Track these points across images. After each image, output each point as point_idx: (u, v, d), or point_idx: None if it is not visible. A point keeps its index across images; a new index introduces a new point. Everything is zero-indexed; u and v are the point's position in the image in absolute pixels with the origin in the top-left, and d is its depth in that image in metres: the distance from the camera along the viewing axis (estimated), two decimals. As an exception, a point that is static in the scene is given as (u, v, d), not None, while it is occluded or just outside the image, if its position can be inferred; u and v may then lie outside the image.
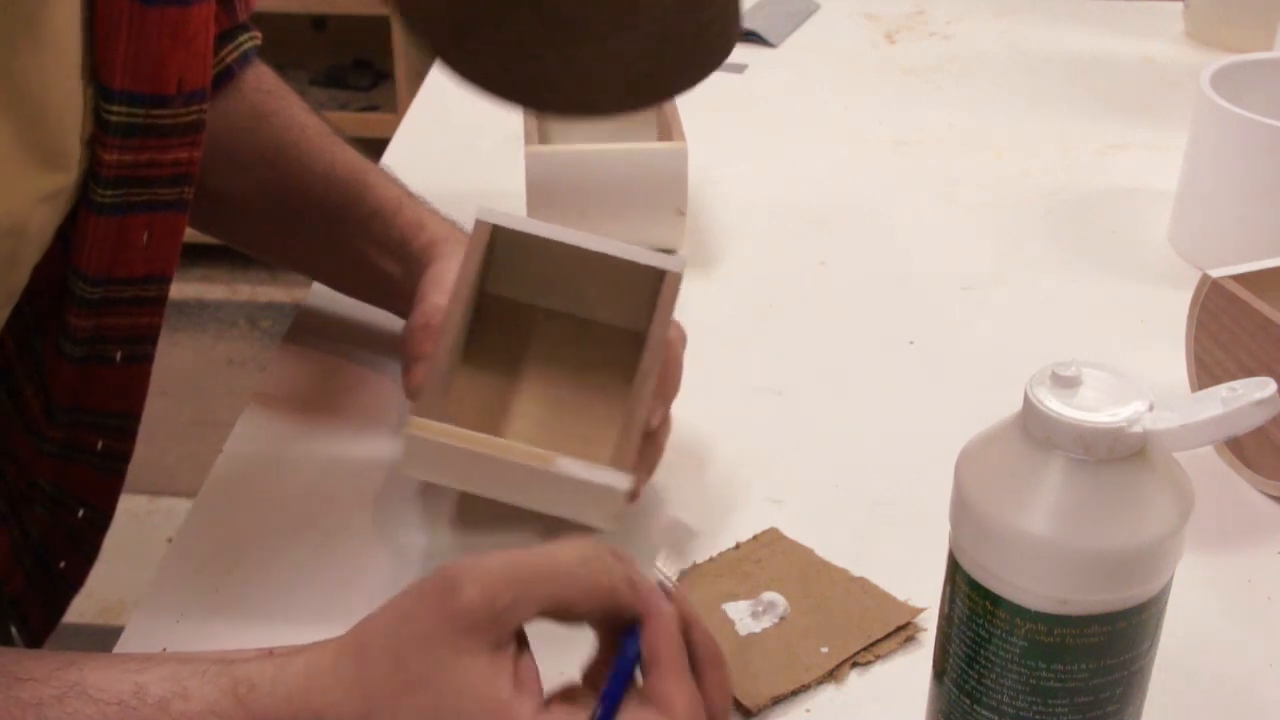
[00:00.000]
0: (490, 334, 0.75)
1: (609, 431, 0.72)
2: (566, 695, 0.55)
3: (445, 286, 0.77)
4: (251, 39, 0.87)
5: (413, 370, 0.75)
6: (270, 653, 0.55)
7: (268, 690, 0.53)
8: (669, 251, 1.01)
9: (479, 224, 0.72)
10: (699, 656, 0.56)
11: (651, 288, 0.73)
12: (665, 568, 0.70)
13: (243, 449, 0.81)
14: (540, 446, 0.68)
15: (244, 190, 0.87)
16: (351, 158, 0.87)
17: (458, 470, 0.68)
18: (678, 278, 0.72)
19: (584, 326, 0.76)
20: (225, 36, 0.86)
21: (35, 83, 0.65)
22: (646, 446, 0.72)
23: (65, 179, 0.69)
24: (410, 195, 0.86)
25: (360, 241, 0.84)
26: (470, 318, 0.74)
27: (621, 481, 0.66)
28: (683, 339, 0.76)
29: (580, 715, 0.53)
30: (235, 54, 0.86)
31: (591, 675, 0.57)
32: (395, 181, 0.87)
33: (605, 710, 0.53)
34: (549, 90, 0.56)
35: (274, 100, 0.88)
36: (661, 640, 0.55)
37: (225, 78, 0.86)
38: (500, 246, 0.73)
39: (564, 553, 0.55)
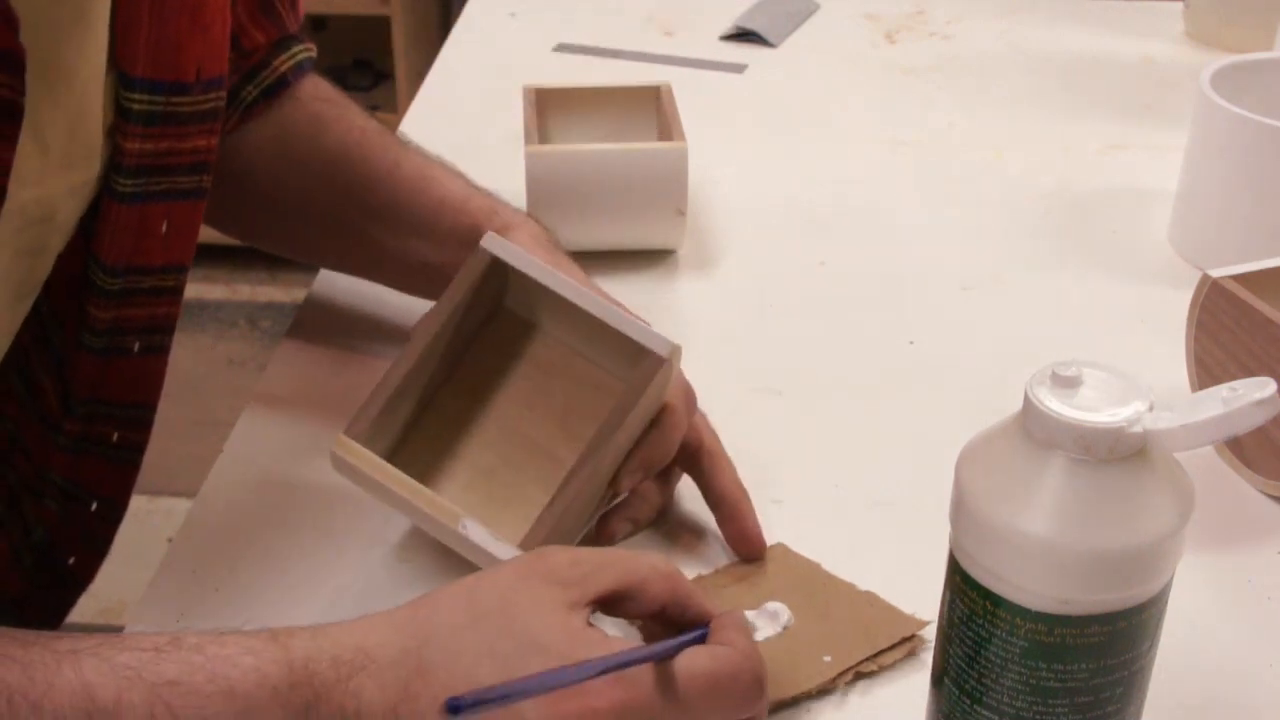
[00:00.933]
0: (495, 351, 0.74)
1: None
2: None
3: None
4: (306, 50, 0.88)
5: None
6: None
7: (308, 636, 0.55)
8: (669, 252, 1.01)
9: (480, 251, 0.71)
10: None
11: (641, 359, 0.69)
12: None
13: (243, 449, 0.81)
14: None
15: (306, 197, 0.87)
16: (414, 155, 0.87)
17: (377, 493, 0.68)
18: (660, 362, 0.68)
19: (586, 369, 0.74)
20: (278, 46, 0.86)
21: (82, 75, 0.67)
22: (613, 515, 0.72)
23: (92, 170, 0.70)
24: (478, 187, 0.86)
25: (427, 235, 0.84)
26: (459, 340, 0.73)
27: (503, 552, 0.65)
28: (690, 404, 0.74)
29: (644, 650, 0.56)
30: (290, 64, 0.87)
31: None
32: (461, 174, 0.87)
33: (665, 647, 0.56)
34: None
35: (333, 108, 0.88)
36: (730, 617, 0.59)
37: (281, 87, 0.86)
38: (514, 269, 0.72)
39: (640, 553, 0.61)
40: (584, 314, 0.70)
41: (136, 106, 0.71)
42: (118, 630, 0.67)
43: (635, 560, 0.59)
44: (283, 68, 0.86)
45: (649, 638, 0.61)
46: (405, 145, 0.88)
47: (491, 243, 0.71)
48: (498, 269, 0.72)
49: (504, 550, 0.65)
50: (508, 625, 0.54)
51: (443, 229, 0.83)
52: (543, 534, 0.65)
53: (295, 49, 0.87)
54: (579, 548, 0.59)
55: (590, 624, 0.56)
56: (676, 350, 0.69)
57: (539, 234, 0.81)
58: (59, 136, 0.66)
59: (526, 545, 0.65)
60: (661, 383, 0.69)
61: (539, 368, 0.74)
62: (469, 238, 0.82)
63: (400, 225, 0.85)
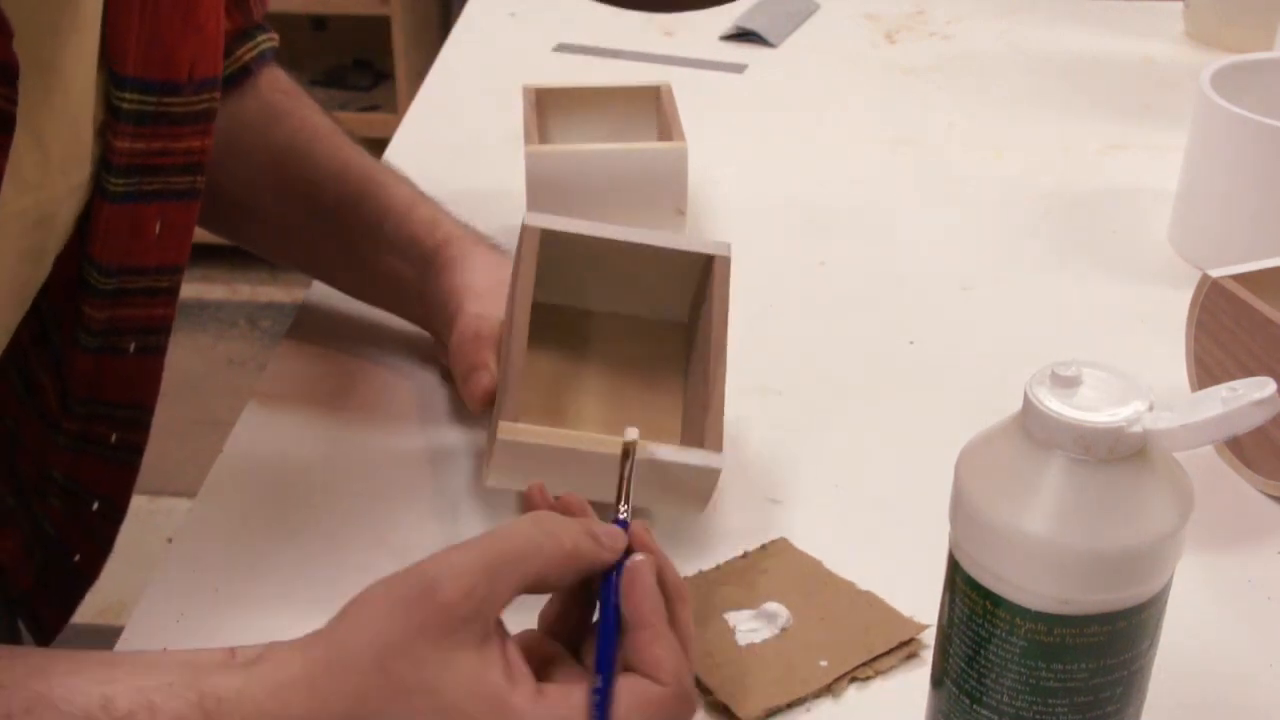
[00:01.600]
0: (539, 338, 0.75)
1: (673, 421, 0.74)
2: (545, 661, 0.56)
3: (479, 295, 0.78)
4: (269, 40, 0.88)
5: (473, 380, 0.74)
6: (233, 653, 0.55)
7: (234, 704, 0.53)
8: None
9: (528, 230, 0.71)
10: (668, 594, 0.57)
11: (695, 276, 0.74)
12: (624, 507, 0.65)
13: (243, 449, 0.81)
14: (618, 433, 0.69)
15: (256, 191, 0.87)
16: (363, 159, 0.87)
17: (548, 471, 0.68)
18: (727, 261, 0.73)
19: (625, 323, 0.76)
20: (243, 36, 0.86)
21: (79, 78, 0.66)
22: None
23: (86, 171, 0.70)
24: (423, 195, 0.86)
25: (371, 241, 0.84)
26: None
27: (717, 462, 0.68)
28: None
29: (576, 693, 0.53)
30: (253, 53, 0.86)
31: (548, 618, 0.59)
32: (407, 182, 0.87)
33: (604, 683, 0.54)
34: None
35: (289, 101, 0.88)
36: (642, 600, 0.56)
37: (242, 76, 0.86)
38: (544, 249, 0.73)
39: (521, 528, 0.56)
40: (623, 253, 0.72)
41: (127, 106, 0.70)
42: (117, 631, 0.68)
43: (529, 558, 0.55)
44: (245, 57, 0.86)
45: None
46: (356, 148, 0.88)
47: (534, 219, 0.72)
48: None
49: (702, 458, 0.67)
50: (434, 703, 0.52)
51: (385, 237, 0.84)
52: (718, 432, 0.68)
53: (259, 38, 0.87)
54: (468, 562, 0.54)
55: (507, 661, 0.54)
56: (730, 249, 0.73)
57: (492, 259, 0.81)
58: (59, 140, 0.66)
59: (709, 445, 0.68)
60: (725, 288, 0.73)
61: (592, 340, 0.76)
62: (409, 249, 0.83)
63: (343, 228, 0.85)
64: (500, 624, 0.55)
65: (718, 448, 0.69)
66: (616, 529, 0.59)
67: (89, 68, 0.68)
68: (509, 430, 0.67)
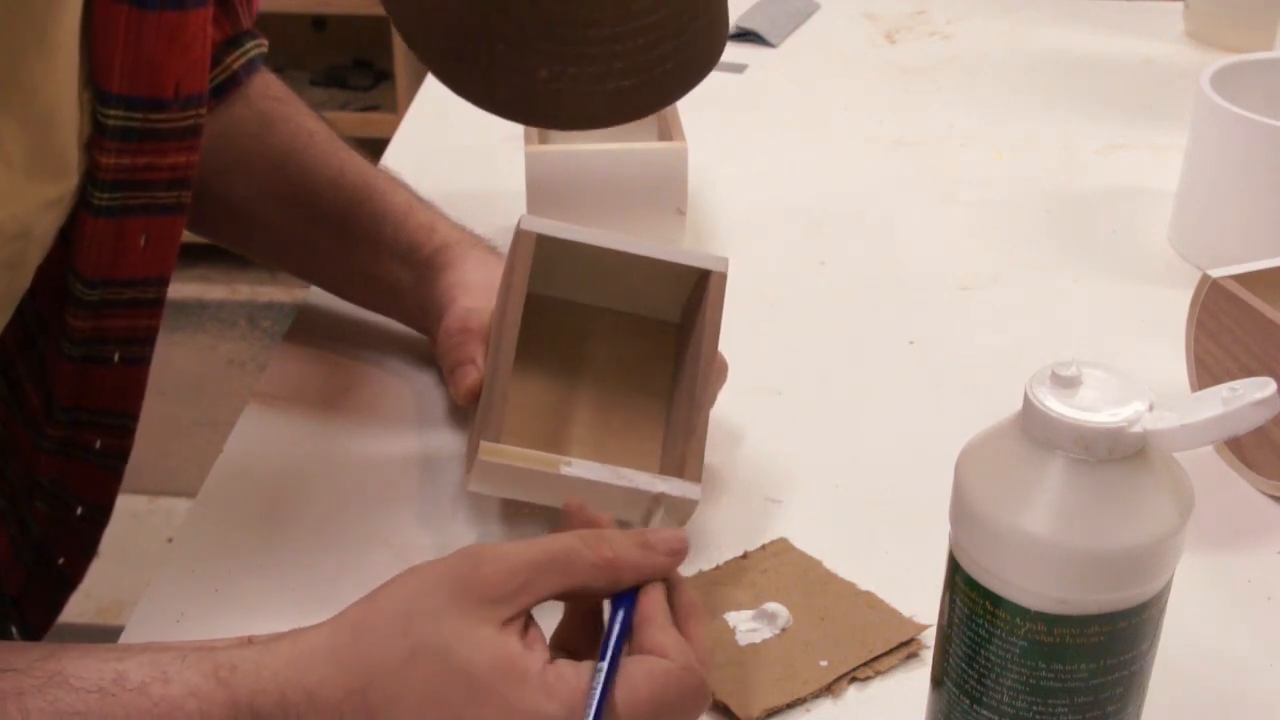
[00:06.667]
0: (530, 333, 0.75)
1: (657, 429, 0.74)
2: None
3: (471, 290, 0.78)
4: (258, 46, 0.88)
5: (458, 375, 0.75)
6: (249, 640, 0.56)
7: (251, 672, 0.53)
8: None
9: (524, 234, 0.71)
10: (681, 611, 0.58)
11: (691, 283, 0.74)
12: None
13: (243, 449, 0.81)
14: (597, 452, 0.69)
15: (251, 197, 0.87)
16: (359, 163, 0.87)
17: (527, 487, 0.69)
18: (723, 278, 0.72)
19: (617, 320, 0.76)
20: (231, 43, 0.86)
21: (47, 92, 0.66)
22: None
23: (68, 184, 0.70)
24: (419, 199, 0.86)
25: (368, 247, 0.84)
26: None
27: (693, 493, 0.68)
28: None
29: (585, 668, 0.54)
30: (242, 60, 0.86)
31: (561, 636, 0.59)
32: (404, 186, 0.87)
33: (611, 659, 0.55)
34: (540, 106, 0.58)
35: (282, 107, 0.88)
36: (650, 604, 0.57)
37: (232, 85, 0.86)
38: (538, 248, 0.73)
39: (568, 539, 0.57)
40: (621, 260, 0.72)
41: (112, 122, 0.70)
42: (117, 631, 0.68)
43: (573, 567, 0.56)
44: (235, 65, 0.86)
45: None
46: (351, 153, 0.88)
47: (530, 223, 0.72)
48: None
49: (677, 488, 0.68)
50: (445, 664, 0.53)
51: (383, 243, 0.84)
52: (698, 462, 0.68)
53: (248, 45, 0.87)
54: (516, 553, 0.56)
55: (526, 636, 0.55)
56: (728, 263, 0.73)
57: (488, 260, 0.81)
58: (20, 152, 0.65)
59: (689, 475, 0.68)
60: (718, 308, 0.72)
61: (583, 336, 0.76)
62: (406, 254, 0.83)
63: (342, 234, 0.85)
64: (529, 614, 0.56)
65: (696, 478, 0.68)
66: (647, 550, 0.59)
67: (63, 84, 0.67)
68: (489, 451, 0.68)
